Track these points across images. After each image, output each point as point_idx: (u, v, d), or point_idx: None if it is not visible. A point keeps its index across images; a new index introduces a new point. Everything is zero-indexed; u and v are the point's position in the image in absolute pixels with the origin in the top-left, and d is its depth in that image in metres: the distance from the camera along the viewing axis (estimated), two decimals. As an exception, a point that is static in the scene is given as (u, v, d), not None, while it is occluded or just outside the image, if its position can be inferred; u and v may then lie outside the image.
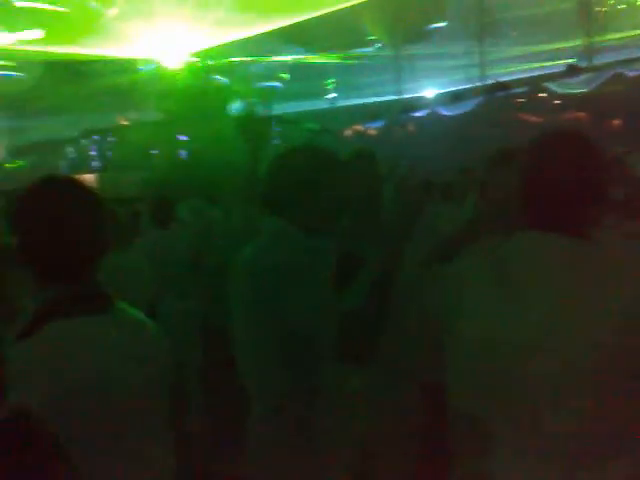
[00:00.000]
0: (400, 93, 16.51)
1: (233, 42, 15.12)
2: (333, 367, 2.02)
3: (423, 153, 8.69)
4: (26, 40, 14.33)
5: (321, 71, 16.90)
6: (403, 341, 2.43)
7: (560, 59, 13.92)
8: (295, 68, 16.90)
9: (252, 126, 3.15)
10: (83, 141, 15.52)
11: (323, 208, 2.05)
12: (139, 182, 10.21)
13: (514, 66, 14.78)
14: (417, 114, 13.29)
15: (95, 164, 15.21)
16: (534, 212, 1.62)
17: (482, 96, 12.42)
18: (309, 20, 15.04)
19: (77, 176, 1.79)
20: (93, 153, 15.60)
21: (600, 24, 14.42)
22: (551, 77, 12.45)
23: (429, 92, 15.28)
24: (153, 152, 13.88)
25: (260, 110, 14.03)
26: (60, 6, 13.83)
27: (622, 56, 12.58)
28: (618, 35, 13.86)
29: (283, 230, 2.04)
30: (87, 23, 13.72)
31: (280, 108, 15.57)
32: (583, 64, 13.28)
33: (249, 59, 16.22)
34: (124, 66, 14.92)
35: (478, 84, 14.33)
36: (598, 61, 13.49)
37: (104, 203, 1.70)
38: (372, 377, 2.33)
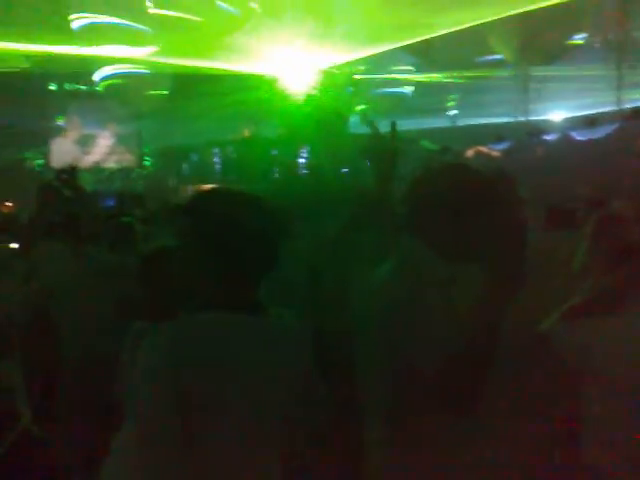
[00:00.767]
0: (527, 114, 15.90)
1: (358, 59, 15.15)
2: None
3: (550, 178, 8.23)
4: (158, 52, 14.95)
5: (442, 86, 16.58)
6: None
7: None
8: (414, 83, 16.68)
9: (379, 145, 2.99)
10: (207, 150, 16.00)
11: (470, 233, 1.86)
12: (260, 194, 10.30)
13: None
14: (546, 137, 12.69)
15: (216, 174, 15.64)
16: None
17: (619, 122, 11.68)
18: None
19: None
20: (216, 162, 16.07)
21: None
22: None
23: (559, 115, 14.62)
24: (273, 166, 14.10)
25: (385, 126, 13.94)
26: (194, 15, 14.06)
27: None
28: None
29: (421, 255, 1.88)
30: (217, 35, 13.95)
31: (398, 125, 15.37)
32: None
33: (373, 76, 16.16)
34: (250, 81, 15.27)
35: (615, 109, 13.56)
36: None
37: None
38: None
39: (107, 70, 15.62)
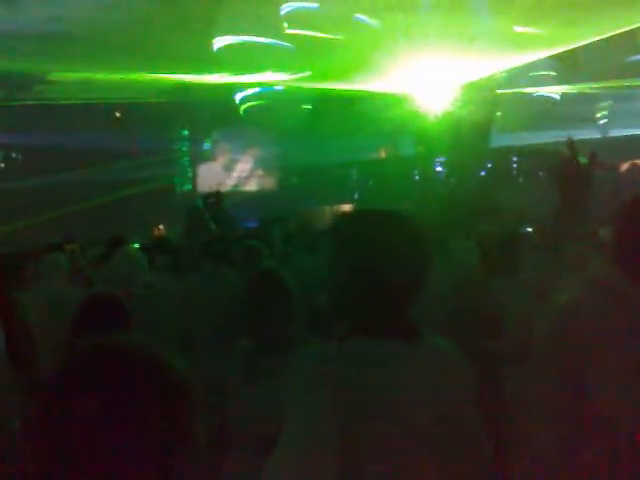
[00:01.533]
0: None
1: (499, 73, 14.69)
2: None
3: None
4: (297, 75, 15.27)
5: (592, 94, 15.67)
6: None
7: None
8: (559, 93, 15.89)
9: (574, 169, 2.83)
10: (347, 170, 16.12)
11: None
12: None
13: None
14: None
15: (354, 193, 15.71)
16: None
17: None
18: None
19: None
20: (356, 182, 16.19)
21: None
22: None
23: None
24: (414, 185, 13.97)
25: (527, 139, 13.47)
26: (334, 34, 14.06)
27: None
28: None
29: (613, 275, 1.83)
30: (359, 52, 13.86)
31: (542, 136, 14.81)
32: None
33: (517, 90, 15.59)
34: (389, 100, 15.23)
35: None
36: None
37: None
38: None
39: (249, 96, 16.25)
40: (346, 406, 1.50)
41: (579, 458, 1.79)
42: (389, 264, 1.59)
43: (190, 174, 17.27)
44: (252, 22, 14.01)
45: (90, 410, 1.05)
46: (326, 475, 1.49)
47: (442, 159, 14.52)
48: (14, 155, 17.60)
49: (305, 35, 14.15)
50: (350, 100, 15.27)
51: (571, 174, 2.75)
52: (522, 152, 15.07)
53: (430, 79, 14.55)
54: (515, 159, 15.00)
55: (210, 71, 14.66)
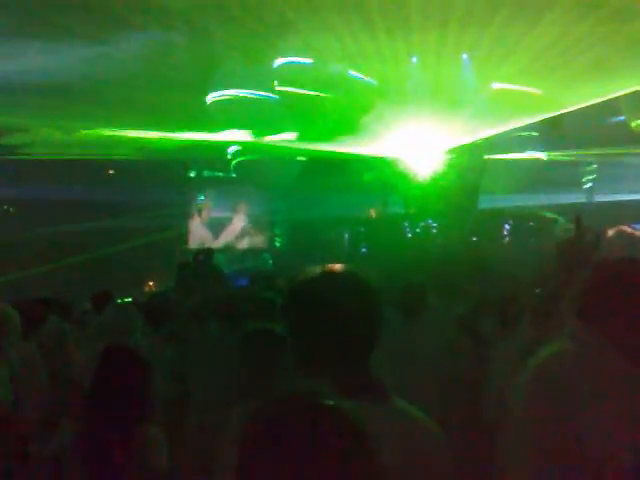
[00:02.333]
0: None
1: (485, 139, 15.01)
2: None
3: None
4: (289, 139, 15.45)
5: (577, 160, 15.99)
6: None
7: None
8: (544, 161, 16.22)
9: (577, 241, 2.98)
10: (335, 229, 16.20)
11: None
12: (386, 272, 10.29)
13: None
14: None
15: (346, 253, 15.74)
16: None
17: None
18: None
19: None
20: (345, 241, 16.27)
21: None
22: None
23: None
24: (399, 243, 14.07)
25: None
26: (326, 92, 13.95)
27: None
28: None
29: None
30: (354, 110, 13.86)
31: (528, 199, 15.03)
32: None
33: (501, 156, 15.91)
34: (375, 163, 15.48)
35: None
36: None
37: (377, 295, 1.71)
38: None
39: (240, 153, 16.46)
40: None
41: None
42: (348, 321, 1.59)
43: (182, 230, 17.34)
44: (245, 77, 13.98)
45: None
46: None
47: (432, 222, 14.67)
48: (8, 208, 17.67)
49: (296, 93, 14.08)
50: (340, 161, 15.51)
51: (573, 247, 2.92)
52: (512, 215, 15.28)
53: (418, 143, 14.85)
54: (505, 223, 15.20)
55: (201, 129, 14.84)
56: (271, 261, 16.64)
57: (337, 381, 1.57)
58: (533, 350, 2.04)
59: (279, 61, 13.86)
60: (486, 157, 15.52)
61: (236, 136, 15.50)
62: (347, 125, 14.04)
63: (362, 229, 16.35)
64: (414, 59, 13.65)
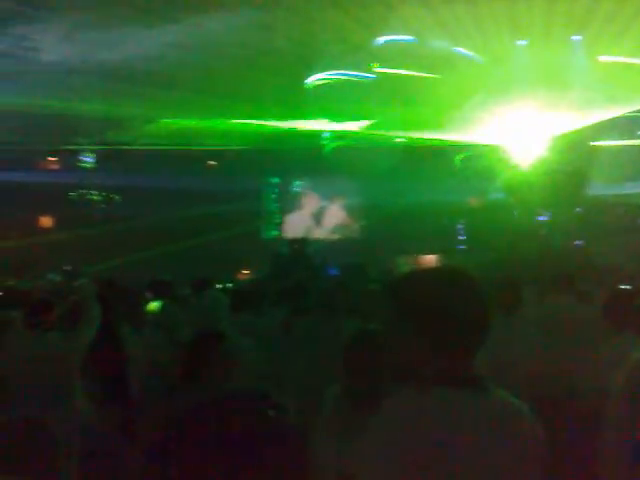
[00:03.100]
0: None
1: (595, 124, 14.21)
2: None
3: None
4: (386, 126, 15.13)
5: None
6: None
7: None
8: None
9: None
10: (433, 219, 15.82)
11: None
12: (487, 264, 9.94)
13: None
14: None
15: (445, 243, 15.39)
16: None
17: None
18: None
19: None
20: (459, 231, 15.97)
21: None
22: None
23: None
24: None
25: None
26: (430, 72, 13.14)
27: None
28: None
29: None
30: (459, 89, 12.88)
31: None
32: None
33: (610, 142, 15.04)
34: (476, 150, 15.01)
35: None
36: None
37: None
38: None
39: (336, 143, 16.38)
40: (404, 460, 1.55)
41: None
42: (452, 318, 1.62)
43: (277, 220, 17.50)
44: (345, 60, 13.54)
45: None
46: None
47: (536, 212, 14.10)
48: (113, 196, 18.41)
49: (398, 74, 13.40)
50: (440, 148, 15.11)
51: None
52: (623, 205, 14.46)
53: (523, 129, 14.24)
54: (616, 213, 14.41)
55: (299, 117, 14.79)
56: (363, 251, 16.51)
57: (441, 372, 1.62)
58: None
59: (380, 40, 13.07)
60: (594, 143, 14.75)
61: (333, 124, 15.39)
62: (452, 109, 13.34)
63: (459, 220, 15.94)
64: (521, 42, 12.96)
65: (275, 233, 17.51)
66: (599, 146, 15.00)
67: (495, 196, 15.39)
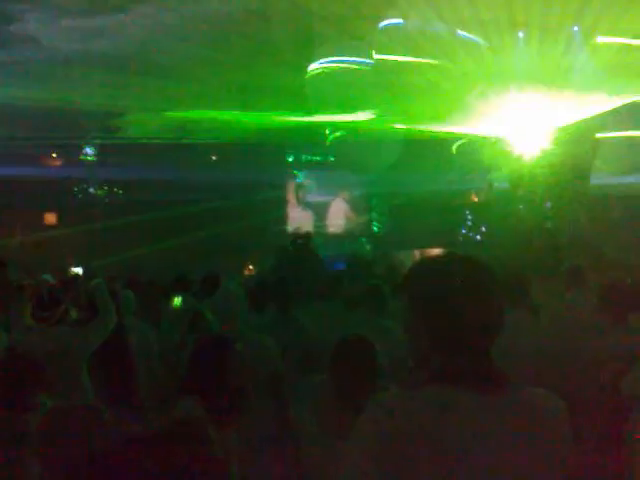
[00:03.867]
0: None
1: (597, 115, 14.12)
2: None
3: None
4: (389, 119, 14.99)
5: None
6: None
7: None
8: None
9: None
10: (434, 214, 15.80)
11: None
12: (488, 258, 9.90)
13: None
14: None
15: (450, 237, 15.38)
16: None
17: None
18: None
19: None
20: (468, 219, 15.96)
21: None
22: None
23: None
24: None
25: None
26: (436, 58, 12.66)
27: None
28: None
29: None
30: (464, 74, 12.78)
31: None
32: None
33: (614, 134, 14.95)
34: (484, 142, 14.91)
35: None
36: None
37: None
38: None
39: (337, 136, 16.30)
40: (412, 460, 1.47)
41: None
42: (468, 309, 1.56)
43: (281, 214, 17.49)
44: (342, 48, 13.24)
45: None
46: None
47: (540, 204, 14.06)
48: (119, 190, 18.42)
49: (397, 61, 12.90)
50: (444, 141, 15.06)
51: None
52: (626, 197, 14.43)
53: (526, 121, 14.17)
54: (619, 205, 14.37)
55: (300, 110, 14.68)
56: (368, 246, 16.51)
57: (456, 369, 1.57)
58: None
59: (380, 24, 12.55)
60: (598, 135, 14.67)
61: (334, 117, 15.30)
62: (454, 98, 13.16)
63: (464, 213, 15.93)
64: (520, 33, 12.87)
65: (279, 227, 17.52)
66: (602, 138, 14.93)
67: (499, 190, 15.38)
